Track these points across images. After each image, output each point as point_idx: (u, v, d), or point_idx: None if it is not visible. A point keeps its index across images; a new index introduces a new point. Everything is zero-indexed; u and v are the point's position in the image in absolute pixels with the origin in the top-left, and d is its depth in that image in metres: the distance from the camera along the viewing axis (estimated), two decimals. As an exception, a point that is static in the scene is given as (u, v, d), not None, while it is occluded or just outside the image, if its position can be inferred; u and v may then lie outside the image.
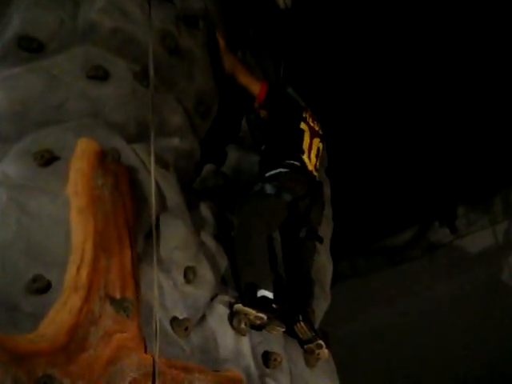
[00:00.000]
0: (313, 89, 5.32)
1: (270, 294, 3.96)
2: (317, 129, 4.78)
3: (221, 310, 3.74)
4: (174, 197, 3.90)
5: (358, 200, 8.32)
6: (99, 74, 3.88)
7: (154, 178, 3.61)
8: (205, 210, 4.27)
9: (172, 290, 3.53)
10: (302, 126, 4.68)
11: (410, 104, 7.99)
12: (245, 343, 3.72)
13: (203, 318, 3.69)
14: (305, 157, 4.58)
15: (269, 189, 4.33)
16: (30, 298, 3.02)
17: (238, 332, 3.70)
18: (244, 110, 5.21)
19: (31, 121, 3.71)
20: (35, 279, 3.07)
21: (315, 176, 4.62)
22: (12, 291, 3.03)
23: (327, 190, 5.12)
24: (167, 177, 3.93)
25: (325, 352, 4.17)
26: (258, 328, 3.94)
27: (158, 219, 3.64)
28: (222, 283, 3.97)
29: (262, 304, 3.90)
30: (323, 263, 5.02)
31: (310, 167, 4.59)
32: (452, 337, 8.40)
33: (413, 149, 8.37)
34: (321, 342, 4.13)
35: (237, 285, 4.11)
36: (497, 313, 8.23)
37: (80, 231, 3.17)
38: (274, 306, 3.94)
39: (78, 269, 3.04)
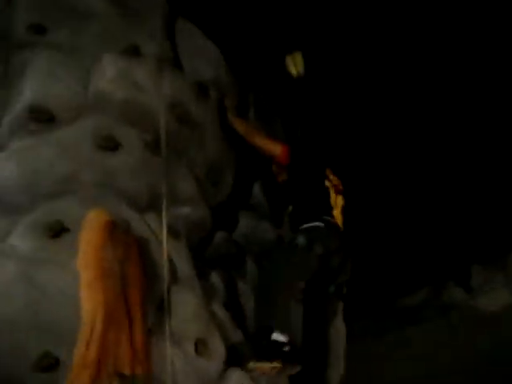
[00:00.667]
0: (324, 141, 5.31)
1: (282, 338, 3.86)
2: (338, 185, 4.79)
3: (233, 382, 3.67)
4: (184, 268, 3.87)
5: (370, 261, 8.25)
6: (110, 145, 3.87)
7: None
8: (216, 279, 4.24)
9: (183, 363, 3.46)
10: (327, 183, 4.70)
11: (419, 160, 7.99)
12: (259, 414, 3.66)
13: (215, 391, 3.62)
14: (335, 213, 4.58)
15: (301, 241, 4.29)
16: (38, 376, 2.96)
17: (252, 404, 3.64)
18: (255, 176, 5.21)
19: (42, 192, 3.69)
20: (44, 356, 3.01)
21: (344, 232, 4.60)
22: (19, 368, 2.98)
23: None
24: (178, 247, 3.90)
25: None
26: None
27: (168, 291, 3.60)
28: (234, 354, 3.89)
29: (273, 350, 3.82)
30: (338, 329, 4.94)
31: (340, 224, 4.58)
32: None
33: (426, 209, 8.34)
34: None
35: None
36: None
37: (89, 305, 3.14)
38: (286, 348, 3.85)
39: (88, 345, 3.00)
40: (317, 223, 4.42)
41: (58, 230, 3.44)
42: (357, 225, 4.78)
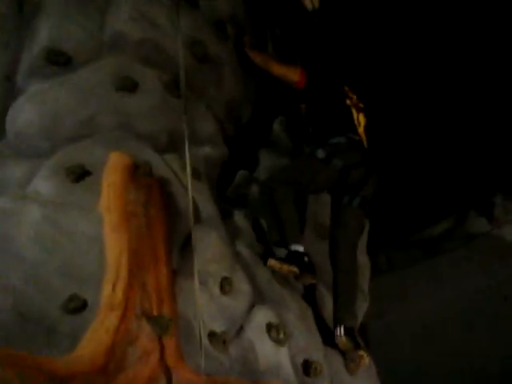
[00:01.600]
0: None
1: (300, 248, 4.06)
2: (359, 103, 4.81)
3: (258, 321, 3.68)
4: (207, 207, 3.87)
5: (393, 194, 8.22)
6: (128, 86, 3.84)
7: (185, 190, 3.62)
8: (239, 219, 4.23)
9: (209, 302, 3.47)
10: (348, 102, 4.72)
11: (445, 96, 7.86)
12: (284, 353, 3.66)
13: (241, 329, 3.63)
14: (359, 131, 4.63)
15: (320, 153, 4.36)
16: (67, 318, 2.98)
17: (277, 342, 3.65)
18: (274, 114, 5.19)
19: (62, 136, 3.69)
20: (71, 298, 3.02)
21: (369, 149, 4.65)
22: (49, 311, 3.00)
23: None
24: (200, 187, 3.90)
25: (366, 360, 4.13)
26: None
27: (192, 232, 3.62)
28: (259, 293, 3.92)
29: (293, 258, 4.01)
30: (361, 263, 4.94)
31: (364, 141, 4.63)
32: (491, 327, 8.29)
33: (448, 138, 8.24)
34: (361, 352, 4.09)
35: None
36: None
37: (114, 248, 3.15)
38: (305, 258, 4.05)
39: (114, 287, 3.02)
40: (340, 138, 4.47)
41: (79, 174, 3.43)
42: (378, 158, 4.73)
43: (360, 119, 4.70)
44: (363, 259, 5.04)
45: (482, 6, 6.75)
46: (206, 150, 4.15)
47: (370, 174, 4.41)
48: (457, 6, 6.88)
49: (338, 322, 4.18)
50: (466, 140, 8.22)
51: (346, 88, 4.83)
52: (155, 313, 3.07)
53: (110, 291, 3.01)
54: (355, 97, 4.80)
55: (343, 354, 4.14)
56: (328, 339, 4.12)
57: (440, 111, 7.88)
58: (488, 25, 7.01)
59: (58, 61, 3.89)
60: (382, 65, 7.15)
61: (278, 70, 4.80)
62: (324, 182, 4.42)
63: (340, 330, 4.11)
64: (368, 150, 4.58)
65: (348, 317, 4.22)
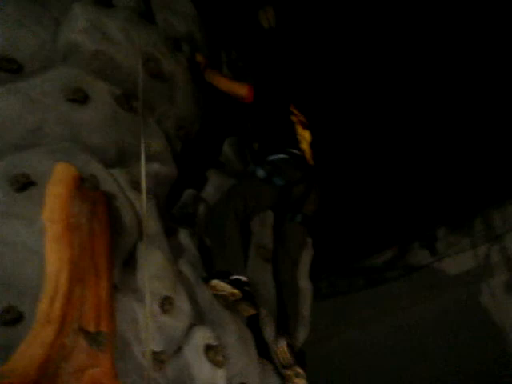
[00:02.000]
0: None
1: (243, 278, 4.02)
2: (304, 120, 4.88)
3: (197, 342, 3.65)
4: (152, 224, 3.83)
5: (338, 220, 8.29)
6: (78, 97, 3.80)
7: (131, 205, 3.59)
8: (184, 238, 4.20)
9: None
10: (292, 118, 4.80)
11: (388, 125, 7.97)
12: (221, 375, 3.63)
13: (179, 349, 3.60)
14: (303, 145, 4.68)
15: (260, 173, 4.39)
16: (1, 330, 2.92)
17: (214, 364, 3.63)
18: (225, 134, 5.21)
19: (8, 143, 3.60)
20: (7, 310, 2.96)
21: (312, 165, 4.69)
22: (-18, 322, 2.94)
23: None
24: (147, 203, 3.86)
25: (302, 381, 4.14)
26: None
27: (135, 247, 3.59)
28: (199, 313, 3.89)
29: (236, 284, 3.95)
30: (303, 288, 4.95)
31: (308, 156, 4.68)
32: (431, 358, 8.36)
33: (393, 170, 8.35)
34: (300, 370, 4.10)
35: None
36: (476, 335, 8.19)
37: (55, 260, 3.10)
38: (247, 288, 4.00)
39: (52, 300, 2.97)
40: (281, 155, 4.51)
41: (24, 183, 3.35)
42: (323, 185, 4.77)
43: (305, 135, 4.76)
44: (305, 284, 5.04)
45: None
46: (155, 166, 4.11)
47: (311, 189, 4.47)
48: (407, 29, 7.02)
49: (281, 337, 4.20)
50: (409, 174, 8.35)
51: (292, 106, 4.89)
52: (93, 329, 3.03)
53: (47, 304, 2.95)
54: (301, 115, 4.86)
55: (282, 378, 4.14)
56: (266, 354, 4.13)
57: (387, 141, 7.99)
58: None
59: (8, 68, 3.82)
60: (331, 88, 7.23)
61: (227, 84, 4.89)
62: (267, 201, 4.47)
63: (282, 342, 4.13)
64: (311, 167, 4.63)
65: (290, 334, 4.25)
